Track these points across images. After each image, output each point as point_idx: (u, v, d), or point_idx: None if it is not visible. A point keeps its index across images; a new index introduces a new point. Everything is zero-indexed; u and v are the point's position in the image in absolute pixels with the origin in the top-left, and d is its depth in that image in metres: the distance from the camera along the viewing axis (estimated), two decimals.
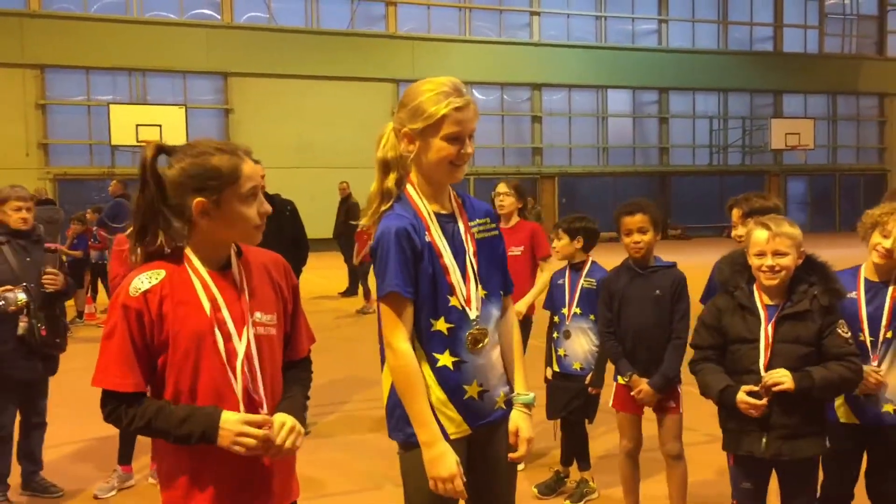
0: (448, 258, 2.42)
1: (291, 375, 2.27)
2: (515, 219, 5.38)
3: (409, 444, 2.42)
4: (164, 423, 2.02)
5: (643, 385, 3.84)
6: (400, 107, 2.45)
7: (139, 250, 2.13)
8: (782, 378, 2.91)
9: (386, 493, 4.58)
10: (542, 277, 5.17)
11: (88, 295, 12.13)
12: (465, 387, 2.42)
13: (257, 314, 2.15)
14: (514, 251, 5.11)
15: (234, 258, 2.17)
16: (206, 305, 2.08)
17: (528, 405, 2.52)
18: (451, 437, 2.39)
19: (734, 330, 3.08)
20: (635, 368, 3.89)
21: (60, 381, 4.89)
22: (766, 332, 3.02)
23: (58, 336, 4.62)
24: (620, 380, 3.98)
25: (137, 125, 21.55)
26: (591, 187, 28.83)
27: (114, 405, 2.05)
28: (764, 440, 3.01)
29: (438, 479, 2.32)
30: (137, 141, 21.77)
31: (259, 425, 2.04)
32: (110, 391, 2.05)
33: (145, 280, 2.07)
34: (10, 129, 22.14)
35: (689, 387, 4.15)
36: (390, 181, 2.45)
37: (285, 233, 5.63)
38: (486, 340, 2.44)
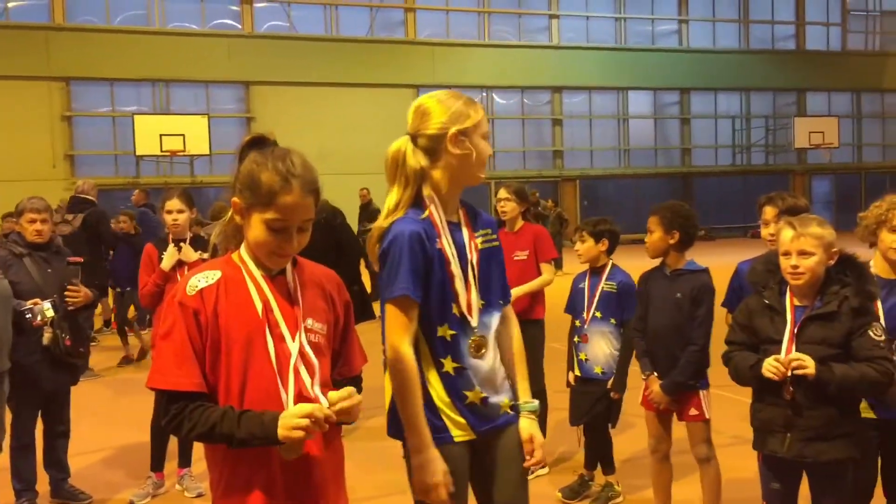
0: (455, 266, 2.46)
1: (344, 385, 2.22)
2: (520, 223, 5.27)
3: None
4: (228, 428, 1.98)
5: (655, 386, 3.90)
6: (425, 116, 2.47)
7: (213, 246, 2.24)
8: (805, 361, 2.86)
9: (409, 498, 4.58)
10: (542, 278, 5.12)
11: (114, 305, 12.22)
12: (467, 392, 2.45)
13: (309, 321, 2.14)
14: (520, 255, 5.08)
15: (288, 266, 2.18)
16: (259, 306, 2.09)
17: (534, 412, 2.58)
18: (456, 440, 2.44)
19: (763, 331, 3.06)
20: (655, 369, 3.91)
21: (84, 389, 4.94)
22: (791, 333, 2.99)
23: (81, 346, 4.66)
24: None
25: (161, 135, 21.79)
26: (613, 189, 28.73)
27: (177, 408, 2.01)
28: (787, 440, 2.98)
29: (423, 485, 2.37)
30: (161, 151, 22.02)
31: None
32: (171, 393, 2.02)
33: (202, 279, 2.09)
34: (37, 142, 22.45)
35: (717, 390, 4.12)
36: (419, 190, 2.47)
37: (328, 243, 5.51)
38: (486, 348, 2.48)
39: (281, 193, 2.04)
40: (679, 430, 4.08)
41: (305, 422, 1.95)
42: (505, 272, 2.65)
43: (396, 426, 2.48)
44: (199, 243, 4.92)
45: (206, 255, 4.80)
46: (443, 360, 2.43)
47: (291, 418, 1.95)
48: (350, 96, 25.08)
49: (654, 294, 3.98)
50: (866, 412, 3.17)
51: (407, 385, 2.37)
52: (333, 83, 24.94)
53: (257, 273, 2.13)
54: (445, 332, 2.43)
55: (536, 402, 2.60)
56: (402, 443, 2.51)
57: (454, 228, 2.50)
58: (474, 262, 2.48)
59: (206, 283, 2.08)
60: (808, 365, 2.86)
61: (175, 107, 24.16)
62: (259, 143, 2.17)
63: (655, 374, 3.93)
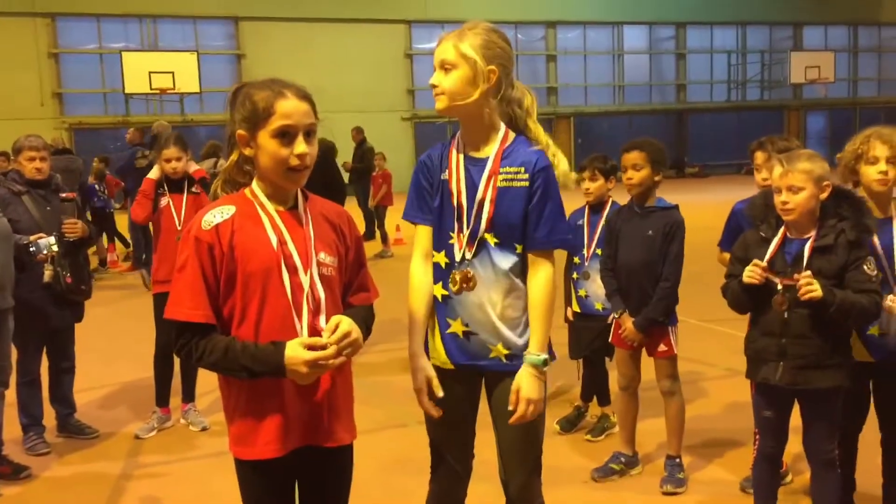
0: (459, 199, 2.49)
1: (353, 311, 2.28)
2: None
3: None
4: (233, 361, 2.07)
5: (628, 324, 3.93)
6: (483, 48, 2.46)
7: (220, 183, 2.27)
8: (815, 284, 2.89)
9: (410, 431, 4.70)
10: None
11: (111, 244, 12.26)
12: (449, 321, 2.52)
13: (321, 254, 2.21)
14: None
15: (300, 199, 2.25)
16: (273, 239, 2.15)
17: (536, 365, 2.45)
18: (432, 362, 2.54)
19: None
20: (626, 306, 3.96)
21: (86, 327, 5.00)
22: (771, 254, 3.06)
23: (83, 283, 4.70)
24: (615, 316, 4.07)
25: (150, 72, 21.48)
26: (608, 127, 28.57)
27: (186, 338, 2.10)
28: (780, 368, 3.06)
29: (414, 388, 2.53)
30: (151, 88, 21.73)
31: (321, 348, 2.07)
32: (183, 323, 2.10)
33: (217, 215, 2.14)
34: (25, 79, 22.13)
35: (709, 324, 4.19)
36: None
37: (326, 181, 5.55)
38: (472, 283, 2.48)
39: (278, 101, 2.12)
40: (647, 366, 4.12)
41: (307, 368, 2.04)
42: (544, 216, 2.46)
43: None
44: (192, 181, 4.99)
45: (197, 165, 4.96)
46: (434, 286, 2.55)
47: (299, 361, 2.03)
48: (341, 32, 24.70)
49: (625, 232, 3.99)
50: (861, 356, 3.23)
51: (409, 296, 2.55)
52: (325, 18, 24.53)
53: (270, 207, 2.19)
54: (441, 258, 2.53)
55: (544, 355, 2.46)
56: None
57: (475, 162, 2.50)
58: (487, 198, 2.47)
59: (222, 217, 2.14)
60: (816, 288, 2.90)
61: (163, 44, 23.78)
62: (244, 88, 2.23)
63: (627, 311, 3.97)
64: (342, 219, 2.34)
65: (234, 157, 2.23)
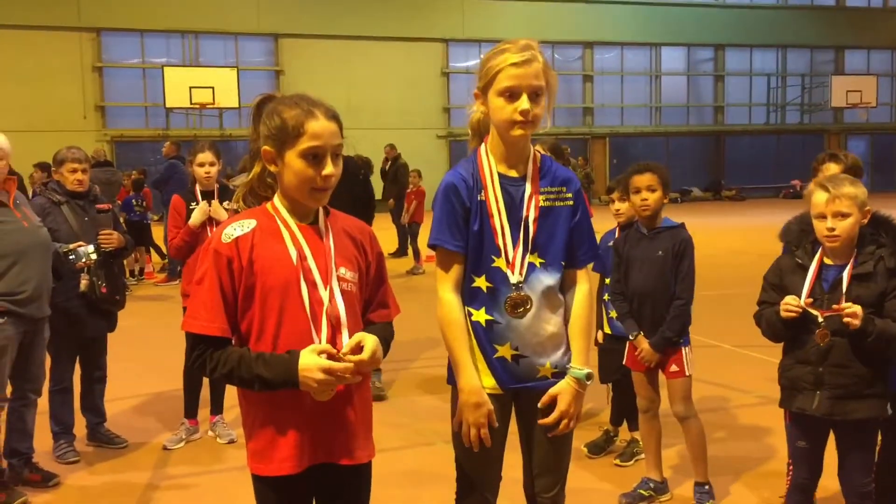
0: (499, 220, 2.43)
1: (373, 328, 2.27)
2: None
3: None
4: (247, 370, 2.06)
5: (644, 345, 3.89)
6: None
7: (243, 195, 2.27)
8: (858, 310, 2.81)
9: (437, 450, 4.66)
10: None
11: (147, 255, 12.43)
12: (497, 346, 2.45)
13: (342, 269, 2.20)
14: None
15: (321, 214, 2.24)
16: (294, 254, 2.15)
17: (580, 379, 2.45)
18: (485, 390, 2.43)
19: (794, 289, 3.04)
20: (641, 329, 3.92)
21: (119, 337, 5.05)
22: (810, 285, 2.98)
23: (117, 293, 4.75)
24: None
25: (191, 87, 21.87)
26: (644, 147, 28.40)
27: (200, 350, 2.10)
28: (817, 398, 2.98)
29: (466, 423, 2.41)
30: (191, 103, 22.10)
31: (335, 359, 2.06)
32: (198, 336, 2.10)
33: (237, 228, 2.15)
34: (69, 92, 22.62)
35: (743, 350, 4.12)
36: (474, 143, 2.53)
37: (356, 195, 5.56)
38: (528, 306, 2.43)
39: (308, 121, 2.10)
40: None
41: (322, 375, 2.03)
42: (584, 233, 2.52)
43: (450, 371, 2.51)
44: (226, 194, 5.01)
45: (234, 206, 4.88)
46: (473, 311, 2.45)
47: (313, 367, 2.02)
48: (379, 50, 24.93)
49: (635, 256, 3.95)
50: None
51: (448, 329, 2.43)
52: (362, 36, 24.79)
53: (291, 221, 2.19)
54: (482, 283, 2.43)
55: (587, 370, 2.47)
56: (452, 387, 2.52)
57: (514, 182, 2.45)
58: (531, 218, 2.44)
59: (242, 231, 2.14)
60: (859, 314, 2.83)
61: (204, 59, 24.19)
62: (269, 100, 2.23)
63: (642, 333, 3.92)
64: (364, 234, 2.32)
65: (256, 169, 2.24)
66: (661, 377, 4.00)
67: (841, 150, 3.85)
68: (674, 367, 3.90)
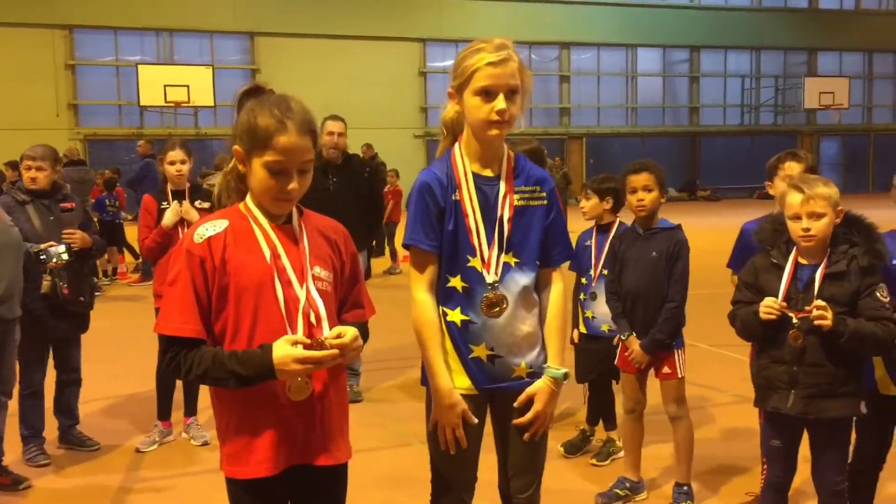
0: (474, 220, 2.42)
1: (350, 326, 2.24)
2: None
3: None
4: (221, 368, 2.03)
5: (635, 346, 3.88)
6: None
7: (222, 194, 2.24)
8: (827, 312, 2.83)
9: (414, 450, 4.64)
10: None
11: (121, 255, 12.29)
12: (472, 346, 2.43)
13: (316, 268, 2.18)
14: None
15: (295, 214, 2.22)
16: (267, 253, 2.13)
17: (556, 379, 2.46)
18: (458, 390, 2.42)
19: (769, 289, 3.05)
20: (633, 329, 3.92)
21: (91, 338, 4.97)
22: (786, 285, 2.99)
23: (81, 294, 4.63)
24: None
25: (165, 86, 21.67)
26: (620, 148, 28.56)
27: (174, 352, 2.07)
28: (791, 397, 3.00)
29: (441, 424, 2.41)
30: (165, 101, 21.90)
31: (308, 347, 2.03)
32: (171, 338, 2.07)
33: (210, 228, 2.12)
34: (41, 90, 22.34)
35: (718, 349, 4.14)
36: (447, 142, 2.51)
37: (362, 194, 5.47)
38: (503, 306, 2.42)
39: (277, 134, 2.06)
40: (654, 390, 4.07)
41: (297, 366, 1.99)
42: (559, 232, 2.52)
43: (424, 373, 2.49)
44: (197, 193, 4.96)
45: (205, 205, 4.83)
46: (448, 311, 2.43)
47: (288, 358, 1.99)
48: (356, 49, 24.85)
49: (630, 256, 3.94)
50: (887, 389, 3.17)
51: (422, 329, 2.41)
52: (339, 35, 24.71)
53: (264, 221, 2.16)
54: (457, 283, 2.42)
55: (564, 370, 2.47)
56: (426, 389, 2.51)
57: (487, 182, 2.44)
58: (506, 218, 2.43)
59: (214, 231, 2.11)
60: (828, 316, 2.84)
61: (179, 57, 23.99)
62: (256, 92, 2.20)
63: (634, 334, 3.92)
64: (338, 234, 2.30)
65: (232, 164, 2.21)
66: (653, 379, 4.00)
67: (801, 149, 3.86)
68: (666, 369, 3.90)
